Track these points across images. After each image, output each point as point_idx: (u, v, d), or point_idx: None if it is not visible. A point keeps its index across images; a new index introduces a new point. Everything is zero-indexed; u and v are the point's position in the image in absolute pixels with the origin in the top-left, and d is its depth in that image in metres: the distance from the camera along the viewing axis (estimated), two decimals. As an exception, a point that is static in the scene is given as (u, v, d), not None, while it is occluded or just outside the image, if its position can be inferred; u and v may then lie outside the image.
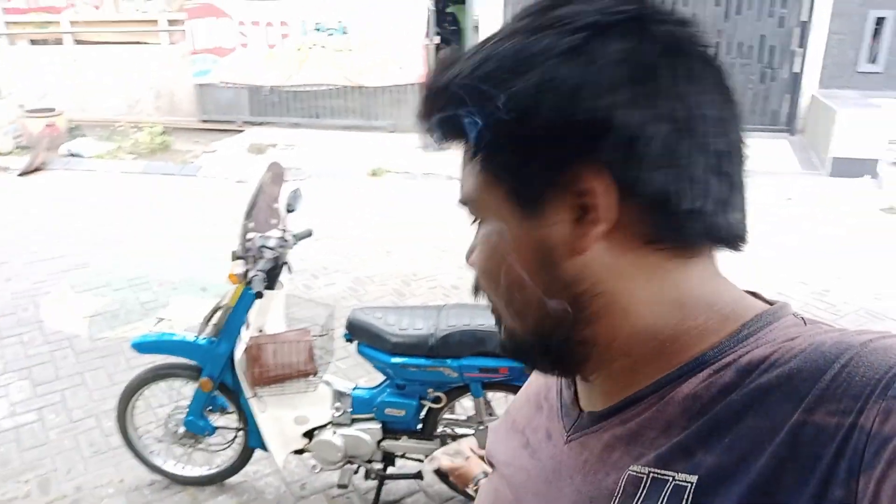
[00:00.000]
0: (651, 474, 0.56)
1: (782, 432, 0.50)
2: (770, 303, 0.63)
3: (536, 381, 0.81)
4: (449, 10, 12.27)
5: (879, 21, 8.26)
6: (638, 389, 0.61)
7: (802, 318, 0.60)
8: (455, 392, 2.68)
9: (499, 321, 0.68)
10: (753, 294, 0.64)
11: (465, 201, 0.67)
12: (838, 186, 6.86)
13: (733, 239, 0.61)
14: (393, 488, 2.94)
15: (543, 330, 0.63)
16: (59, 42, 10.20)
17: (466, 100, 0.59)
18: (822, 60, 8.40)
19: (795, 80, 8.39)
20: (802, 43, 8.25)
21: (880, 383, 0.47)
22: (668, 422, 0.57)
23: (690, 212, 0.57)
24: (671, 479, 0.54)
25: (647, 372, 0.61)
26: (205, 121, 9.65)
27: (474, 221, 0.67)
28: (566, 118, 0.55)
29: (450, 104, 0.60)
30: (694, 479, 0.53)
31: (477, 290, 0.71)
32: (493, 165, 0.61)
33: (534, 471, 0.70)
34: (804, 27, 8.22)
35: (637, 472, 0.57)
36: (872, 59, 8.42)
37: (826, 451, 0.47)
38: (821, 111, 7.67)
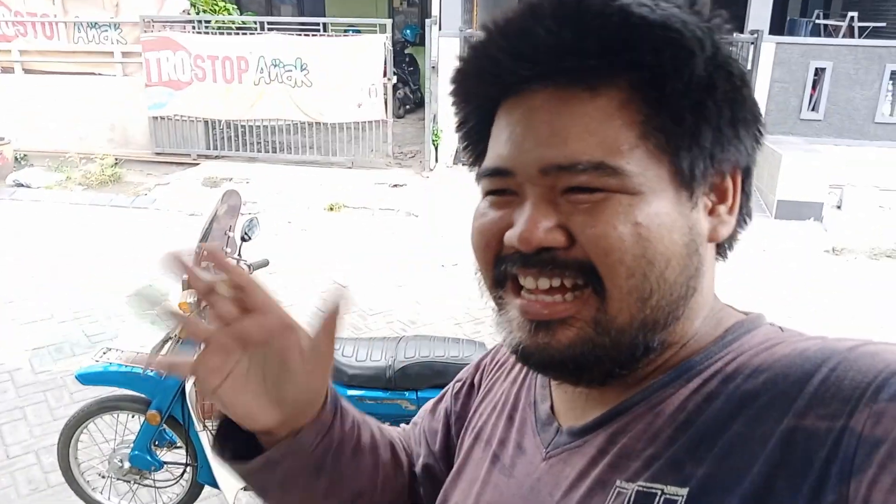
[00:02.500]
0: (639, 489, 0.54)
1: (773, 438, 0.49)
2: (745, 313, 0.64)
3: (505, 390, 0.77)
4: (407, 51, 12.46)
5: (818, 71, 8.64)
6: (626, 398, 0.60)
7: (780, 327, 0.61)
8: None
9: (562, 324, 0.57)
10: None
11: (592, 163, 0.55)
12: (784, 228, 7.07)
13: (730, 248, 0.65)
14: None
15: (653, 320, 0.57)
16: (8, 70, 9.99)
17: (689, 43, 0.54)
18: (766, 107, 8.72)
19: (742, 125, 8.69)
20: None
21: (870, 387, 0.47)
22: (655, 434, 0.56)
23: (744, 221, 0.62)
24: (660, 492, 0.53)
25: (638, 377, 0.60)
26: (158, 153, 9.51)
27: (579, 190, 0.56)
28: (753, 109, 0.59)
29: (656, 31, 0.53)
30: (685, 491, 0.52)
31: (554, 269, 0.57)
32: (674, 133, 0.56)
33: (507, 489, 0.67)
34: (749, 75, 8.54)
35: (624, 487, 0.55)
36: (813, 107, 8.78)
37: (817, 456, 0.47)
38: (767, 156, 7.94)
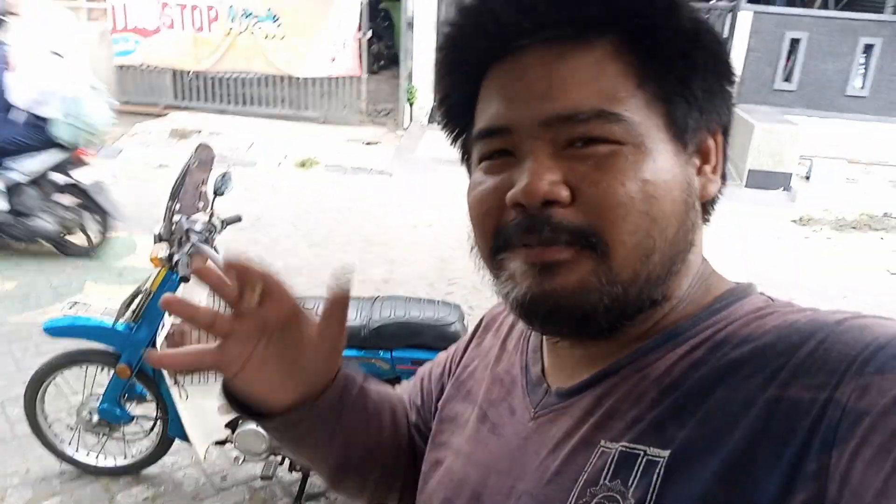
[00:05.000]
0: (622, 449, 0.55)
1: (756, 406, 0.50)
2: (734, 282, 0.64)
3: (496, 355, 0.77)
4: (382, 5, 12.21)
5: (794, 42, 8.69)
6: (614, 360, 0.60)
7: (770, 297, 0.61)
8: (387, 384, 2.65)
9: (564, 266, 0.56)
10: None
11: (594, 111, 0.55)
12: (753, 197, 7.17)
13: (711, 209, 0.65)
14: (318, 481, 2.89)
15: (654, 276, 0.57)
16: (-33, 10, 9.61)
17: None
18: (741, 76, 8.77)
19: (716, 93, 8.72)
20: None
21: (857, 359, 0.48)
22: (640, 396, 0.57)
23: (724, 177, 0.63)
24: (643, 453, 0.54)
25: (627, 340, 0.61)
26: (125, 102, 9.27)
27: (582, 142, 0.55)
28: (730, 66, 0.60)
29: None
30: (666, 453, 0.52)
31: (552, 229, 0.55)
32: (669, 84, 0.57)
33: (496, 447, 0.68)
34: (724, 43, 8.55)
35: (608, 447, 0.56)
36: (787, 78, 8.84)
37: (801, 425, 0.47)
38: (739, 125, 8.01)
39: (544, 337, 0.70)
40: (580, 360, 0.64)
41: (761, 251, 5.88)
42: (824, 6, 10.13)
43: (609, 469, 0.55)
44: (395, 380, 2.63)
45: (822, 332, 0.51)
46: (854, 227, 6.64)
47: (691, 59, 0.57)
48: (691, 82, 0.57)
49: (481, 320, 0.85)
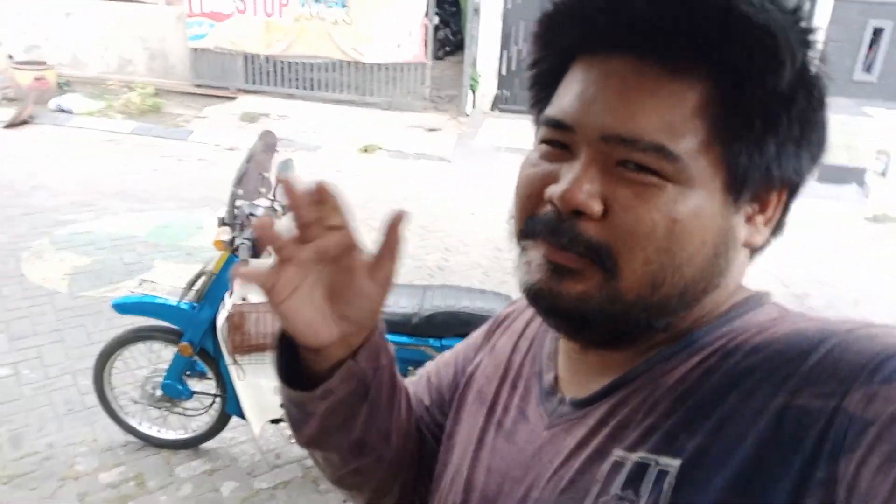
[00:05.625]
0: (635, 459, 0.56)
1: (766, 414, 0.50)
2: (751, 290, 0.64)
3: (508, 356, 0.77)
4: (450, -10, 12.21)
5: (877, 31, 8.31)
6: (628, 369, 0.61)
7: (784, 307, 0.61)
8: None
9: (573, 276, 0.58)
10: None
11: (653, 145, 0.55)
12: (825, 193, 6.91)
13: None
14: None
15: (662, 305, 0.58)
16: (52, -5, 10.03)
17: (784, 54, 0.53)
18: (819, 67, 8.43)
19: (790, 84, 8.39)
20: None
21: (866, 368, 0.48)
22: (654, 405, 0.57)
23: (778, 230, 0.63)
24: (654, 462, 0.54)
25: (639, 349, 0.62)
26: (198, 85, 9.54)
27: (632, 166, 0.56)
28: (822, 134, 0.59)
29: (755, 32, 0.52)
30: (678, 462, 0.53)
31: (570, 238, 0.57)
32: (743, 136, 0.55)
33: (509, 454, 0.68)
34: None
35: (622, 456, 0.57)
36: (867, 69, 8.47)
37: (810, 433, 0.48)
38: (813, 117, 7.71)
39: (560, 344, 0.71)
40: (594, 368, 0.65)
41: (831, 250, 5.68)
42: (912, -7, 9.65)
43: (621, 479, 0.56)
44: (444, 368, 2.66)
45: (832, 340, 0.51)
46: (932, 227, 6.34)
47: (777, 122, 0.55)
48: (765, 144, 0.55)
49: (494, 320, 0.86)
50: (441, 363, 0.88)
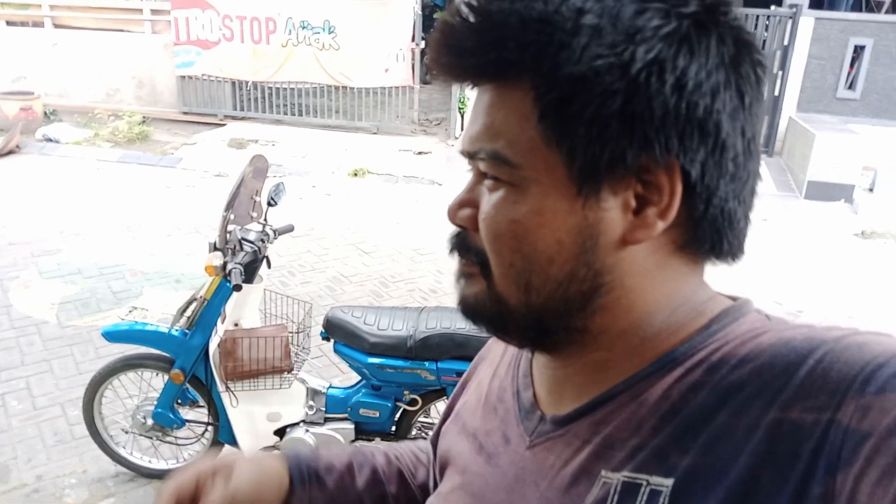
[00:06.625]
0: (624, 479, 0.54)
1: (758, 430, 0.49)
2: (733, 298, 0.63)
3: (489, 383, 0.77)
4: (436, 15, 12.31)
5: (858, 49, 8.42)
6: (608, 388, 0.60)
7: (766, 315, 0.60)
8: (431, 395, 2.66)
9: (469, 279, 0.64)
10: None
11: (488, 153, 0.58)
12: (813, 209, 6.96)
13: (735, 254, 0.61)
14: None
15: (548, 308, 0.59)
16: (38, 25, 10.03)
17: (561, 36, 0.53)
18: (802, 84, 8.54)
19: (775, 102, 8.49)
20: (783, 66, 8.37)
21: (857, 379, 0.47)
22: (639, 423, 0.56)
23: (732, 226, 0.58)
24: (645, 483, 0.53)
25: (620, 368, 0.60)
26: (185, 113, 9.54)
27: (488, 176, 0.60)
28: (667, 105, 0.52)
29: (534, 33, 0.53)
30: (670, 482, 0.52)
31: (461, 248, 0.64)
32: (561, 126, 0.55)
33: (492, 478, 0.67)
34: (785, 51, 8.34)
35: (610, 477, 0.56)
36: (850, 86, 8.57)
37: (804, 449, 0.47)
38: (799, 134, 7.79)
39: (533, 362, 0.71)
40: (571, 386, 0.64)
41: (821, 266, 5.70)
42: (892, 11, 9.80)
43: (612, 500, 0.55)
44: (439, 391, 2.63)
45: (821, 350, 0.50)
46: (921, 241, 6.38)
47: (591, 105, 0.53)
48: (592, 127, 0.53)
49: (478, 355, 0.87)
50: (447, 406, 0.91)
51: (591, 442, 0.59)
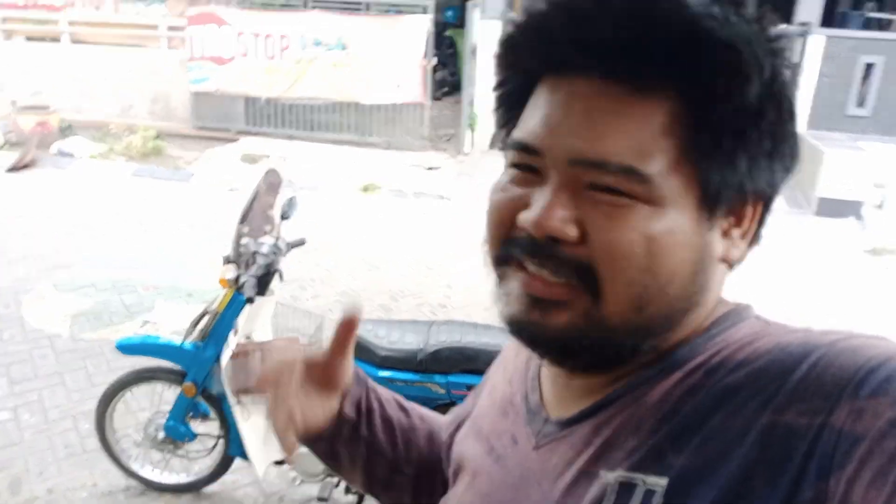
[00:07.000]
0: (621, 479, 0.55)
1: (752, 432, 0.50)
2: (733, 304, 0.64)
3: (502, 388, 0.78)
4: (447, 33, 12.39)
5: (869, 66, 8.41)
6: (611, 391, 0.61)
7: (765, 320, 0.61)
8: (441, 409, 2.66)
9: (556, 307, 0.57)
10: None
11: (622, 167, 0.54)
12: (823, 226, 6.93)
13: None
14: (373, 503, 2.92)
15: (645, 327, 0.58)
16: (55, 40, 10.17)
17: (747, 69, 0.52)
18: (812, 102, 8.53)
19: (785, 119, 8.46)
20: (793, 84, 8.34)
21: (850, 383, 0.47)
22: (638, 425, 0.57)
23: (755, 242, 0.62)
24: (641, 482, 0.54)
25: (623, 371, 0.61)
26: (199, 128, 9.62)
27: (601, 188, 0.55)
28: (793, 145, 0.58)
29: (719, 49, 0.52)
30: (664, 481, 0.53)
31: (552, 261, 0.56)
32: (718, 155, 0.55)
33: (499, 477, 0.69)
34: (795, 69, 8.33)
35: (607, 476, 0.57)
36: (861, 103, 8.56)
37: (796, 452, 0.47)
38: (808, 151, 7.78)
39: (542, 367, 0.72)
40: (578, 390, 0.65)
41: (830, 283, 5.67)
42: (902, 29, 9.80)
43: (609, 499, 0.55)
44: (449, 404, 2.64)
45: (815, 354, 0.51)
46: (932, 259, 6.34)
47: (745, 137, 0.55)
48: (735, 160, 0.55)
49: (493, 363, 0.88)
50: (462, 406, 0.92)
51: (591, 443, 0.60)
